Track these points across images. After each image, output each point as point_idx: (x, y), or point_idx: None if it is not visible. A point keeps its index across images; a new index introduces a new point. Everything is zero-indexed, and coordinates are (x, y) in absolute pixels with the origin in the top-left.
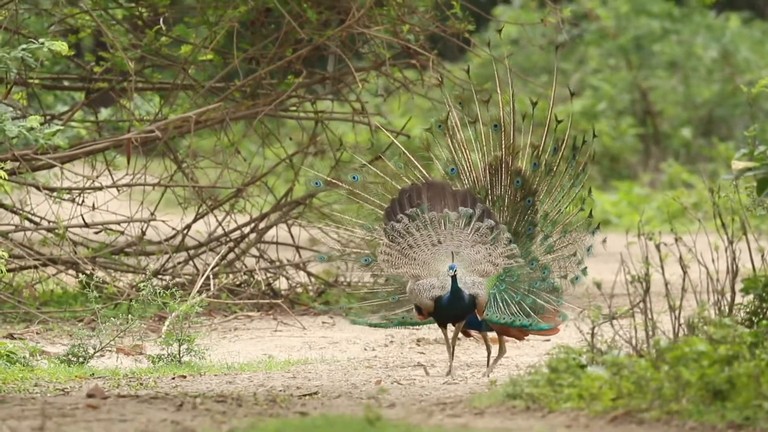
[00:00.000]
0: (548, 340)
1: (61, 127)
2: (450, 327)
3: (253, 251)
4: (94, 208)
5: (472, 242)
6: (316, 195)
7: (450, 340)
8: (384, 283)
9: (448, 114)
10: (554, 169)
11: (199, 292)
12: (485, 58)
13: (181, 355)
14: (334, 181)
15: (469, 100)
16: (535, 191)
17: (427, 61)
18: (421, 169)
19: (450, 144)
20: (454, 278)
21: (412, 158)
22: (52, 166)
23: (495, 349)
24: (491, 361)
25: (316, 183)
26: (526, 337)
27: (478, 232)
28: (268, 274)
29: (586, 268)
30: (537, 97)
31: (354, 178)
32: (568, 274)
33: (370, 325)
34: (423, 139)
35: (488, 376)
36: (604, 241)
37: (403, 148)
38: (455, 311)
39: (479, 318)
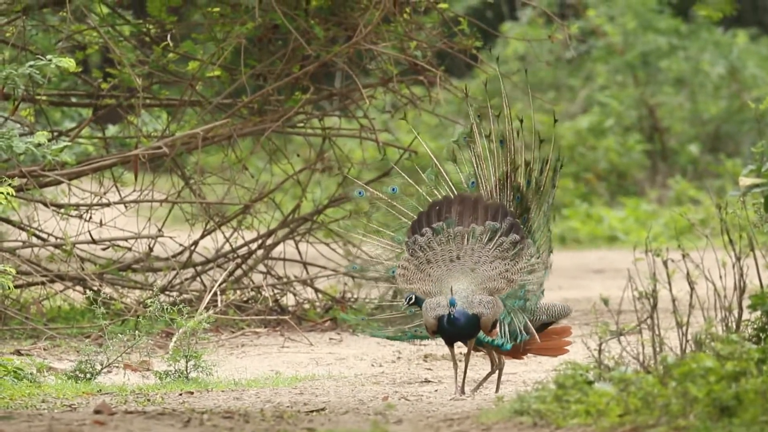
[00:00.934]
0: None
1: (69, 144)
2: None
3: (261, 267)
4: (101, 224)
5: (492, 258)
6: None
7: (464, 357)
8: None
9: (472, 126)
10: (542, 187)
11: (207, 309)
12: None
13: (188, 371)
14: (375, 192)
15: (483, 115)
16: (529, 208)
17: (434, 78)
18: (449, 182)
19: (473, 157)
20: (452, 307)
21: (442, 170)
22: (60, 182)
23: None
24: (490, 376)
25: (359, 192)
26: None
27: (500, 247)
28: (276, 291)
29: (544, 290)
30: (525, 116)
31: (393, 189)
32: (534, 296)
33: (387, 338)
34: (449, 151)
35: (480, 389)
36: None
37: (435, 159)
38: (457, 333)
39: (487, 336)
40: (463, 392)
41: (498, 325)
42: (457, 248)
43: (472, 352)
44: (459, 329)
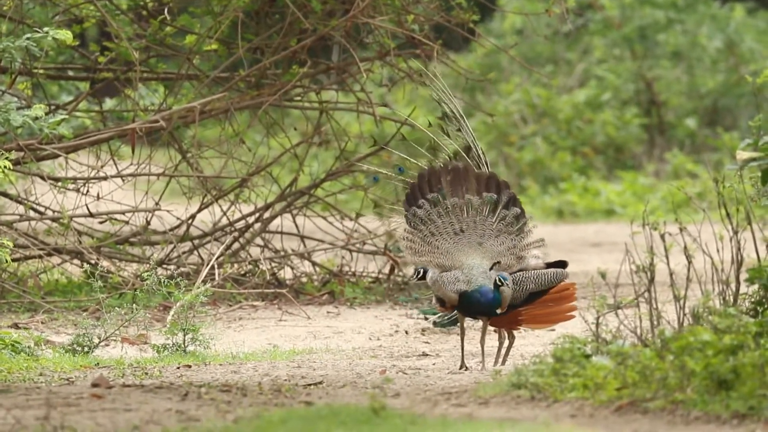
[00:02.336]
0: (553, 330)
1: (66, 117)
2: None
3: (258, 241)
4: (98, 197)
5: (496, 232)
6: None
7: (480, 334)
8: None
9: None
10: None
11: (204, 282)
12: (490, 48)
13: (185, 344)
14: (387, 173)
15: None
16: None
17: (431, 51)
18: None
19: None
20: (496, 294)
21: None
22: (57, 155)
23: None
24: (503, 351)
25: (375, 178)
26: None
27: (503, 221)
28: (273, 264)
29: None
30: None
31: (400, 169)
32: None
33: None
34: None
35: (499, 364)
36: None
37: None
38: (483, 309)
39: (498, 311)
40: (466, 367)
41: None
42: (458, 220)
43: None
44: (486, 306)
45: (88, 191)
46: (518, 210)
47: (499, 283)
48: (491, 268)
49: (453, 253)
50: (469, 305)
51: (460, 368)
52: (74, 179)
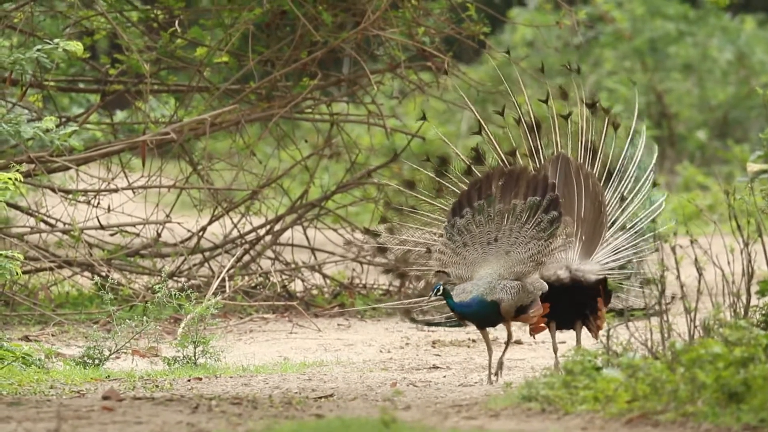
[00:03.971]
0: (564, 342)
1: (77, 129)
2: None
3: (269, 253)
4: (109, 210)
5: (529, 238)
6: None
7: (505, 341)
8: None
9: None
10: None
11: (215, 294)
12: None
13: (196, 357)
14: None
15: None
16: None
17: (442, 64)
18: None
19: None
20: (445, 295)
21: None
22: (68, 168)
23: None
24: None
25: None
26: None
27: (538, 226)
28: (284, 276)
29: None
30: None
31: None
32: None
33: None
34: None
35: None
36: None
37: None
38: (480, 319)
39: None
40: (490, 380)
41: (533, 306)
42: (496, 229)
43: (511, 336)
44: (474, 315)
45: (98, 203)
46: (556, 213)
47: (432, 291)
48: (435, 274)
49: (476, 263)
50: (464, 317)
51: (490, 379)
52: (85, 191)
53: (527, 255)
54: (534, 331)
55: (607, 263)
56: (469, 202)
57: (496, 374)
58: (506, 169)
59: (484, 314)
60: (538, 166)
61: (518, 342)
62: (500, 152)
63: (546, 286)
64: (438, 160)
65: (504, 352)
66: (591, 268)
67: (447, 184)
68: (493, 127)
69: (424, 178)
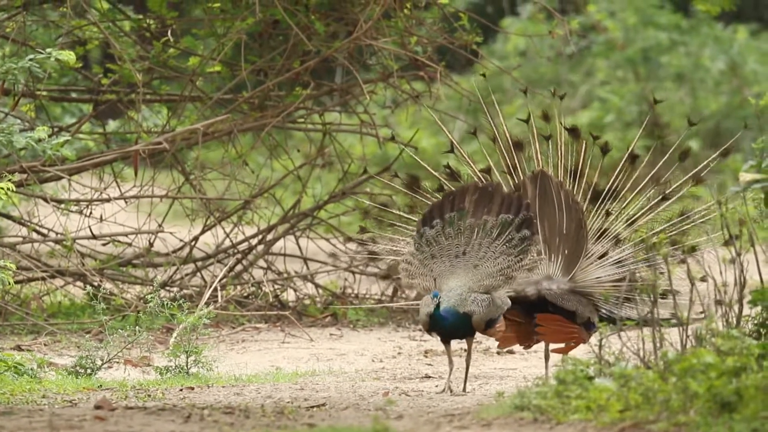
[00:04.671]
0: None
1: (69, 139)
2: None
3: (261, 263)
4: (101, 219)
5: (498, 253)
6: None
7: (465, 355)
8: None
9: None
10: None
11: (207, 304)
12: (493, 70)
13: (188, 366)
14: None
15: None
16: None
17: (434, 73)
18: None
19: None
20: (437, 305)
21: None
22: (60, 177)
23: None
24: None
25: (435, 294)
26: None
27: (509, 242)
28: (276, 286)
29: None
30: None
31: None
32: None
33: None
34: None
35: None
36: None
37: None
38: (452, 331)
39: (477, 333)
40: (451, 390)
41: (499, 321)
42: (465, 243)
43: (472, 352)
44: (447, 327)
45: (91, 213)
46: (528, 232)
47: (435, 301)
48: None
49: (443, 276)
50: (435, 328)
51: (442, 391)
52: (77, 201)
53: (496, 269)
54: (501, 344)
55: (589, 279)
56: (441, 213)
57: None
58: (481, 184)
59: (456, 326)
60: (517, 182)
61: (510, 351)
62: (475, 170)
63: (509, 302)
64: (408, 178)
65: (468, 368)
66: (558, 286)
67: (422, 200)
68: (482, 139)
69: (398, 198)
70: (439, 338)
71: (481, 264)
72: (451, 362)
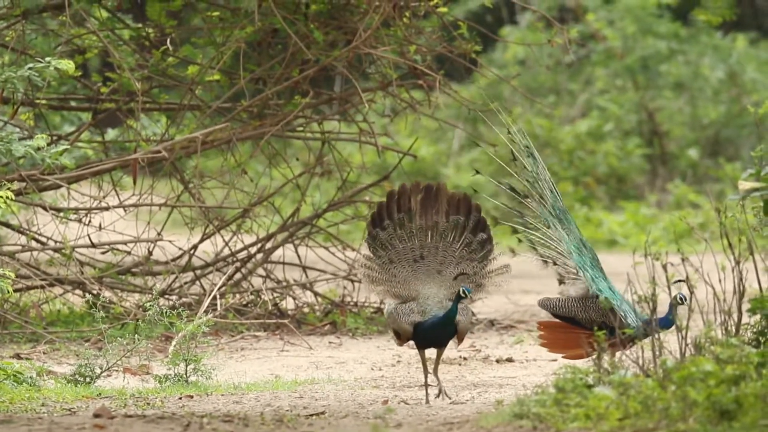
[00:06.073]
0: (555, 360)
1: (68, 147)
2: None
3: (260, 271)
4: (100, 228)
5: (458, 258)
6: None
7: (433, 364)
8: None
9: None
10: None
11: (206, 312)
12: (492, 79)
13: (188, 375)
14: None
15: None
16: None
17: (434, 82)
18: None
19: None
20: (454, 305)
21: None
22: (59, 186)
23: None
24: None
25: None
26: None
27: (467, 247)
28: (275, 294)
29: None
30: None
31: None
32: None
33: None
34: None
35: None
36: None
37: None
38: (439, 338)
39: (459, 344)
40: (428, 401)
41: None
42: (420, 246)
43: (440, 359)
44: (443, 335)
45: (90, 221)
46: (485, 236)
47: (463, 295)
48: (455, 278)
49: (410, 282)
50: (423, 336)
51: (426, 402)
52: (76, 210)
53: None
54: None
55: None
56: (389, 215)
57: (438, 394)
58: (423, 184)
59: (445, 333)
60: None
61: (509, 360)
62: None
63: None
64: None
65: (437, 371)
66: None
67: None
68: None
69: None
70: (416, 346)
71: (444, 270)
72: (426, 370)
